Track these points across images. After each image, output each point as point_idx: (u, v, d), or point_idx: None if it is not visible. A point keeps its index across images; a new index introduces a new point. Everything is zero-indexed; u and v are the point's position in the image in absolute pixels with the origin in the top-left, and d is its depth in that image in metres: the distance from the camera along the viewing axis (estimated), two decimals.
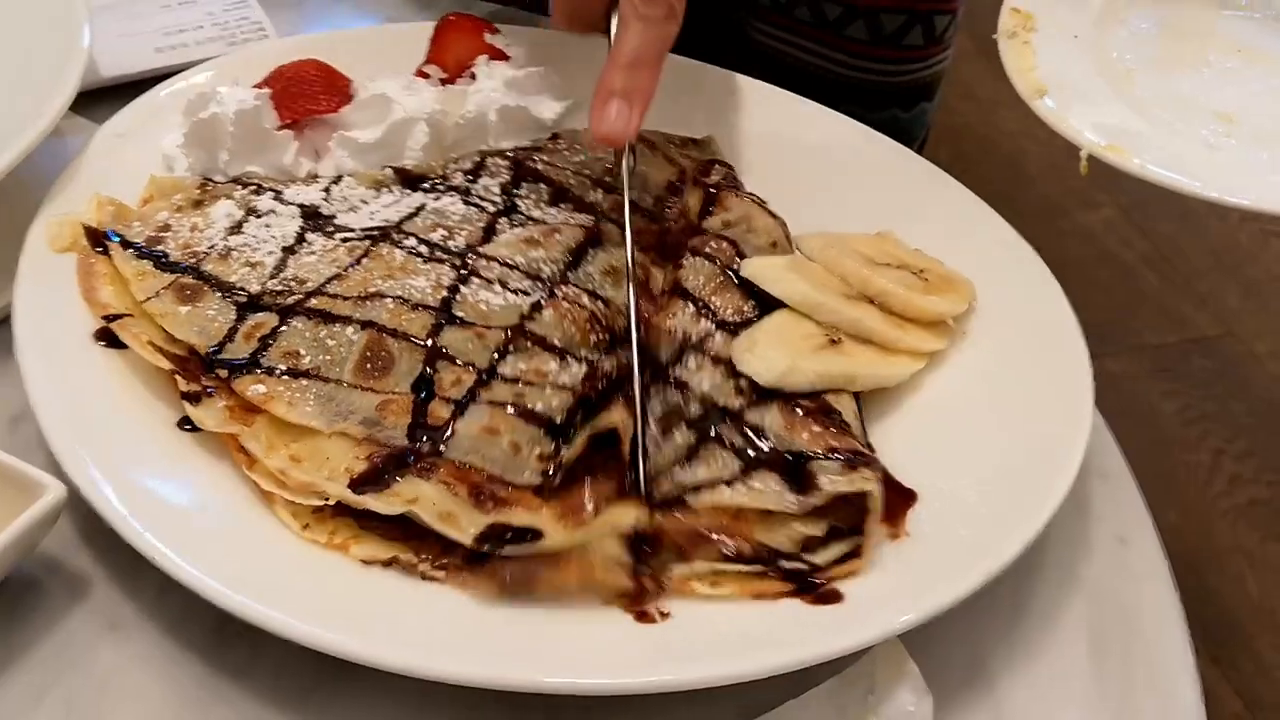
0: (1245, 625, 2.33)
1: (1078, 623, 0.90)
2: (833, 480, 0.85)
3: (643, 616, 0.80)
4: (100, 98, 1.17)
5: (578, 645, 0.79)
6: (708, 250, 1.02)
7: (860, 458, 0.87)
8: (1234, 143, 1.02)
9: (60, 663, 0.80)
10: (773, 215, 1.08)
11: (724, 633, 0.80)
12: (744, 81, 1.23)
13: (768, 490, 0.85)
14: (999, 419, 0.94)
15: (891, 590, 0.82)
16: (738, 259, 1.01)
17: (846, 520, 0.85)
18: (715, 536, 0.84)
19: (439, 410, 0.86)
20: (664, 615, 0.80)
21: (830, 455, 0.86)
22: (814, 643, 0.78)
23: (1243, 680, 2.25)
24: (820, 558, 0.84)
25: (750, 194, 1.11)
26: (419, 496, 0.81)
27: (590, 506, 0.83)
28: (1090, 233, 2.99)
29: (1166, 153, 1.00)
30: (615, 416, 0.87)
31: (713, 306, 0.98)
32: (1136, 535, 0.96)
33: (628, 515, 0.83)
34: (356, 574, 0.81)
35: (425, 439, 0.85)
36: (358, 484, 0.82)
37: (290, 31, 1.33)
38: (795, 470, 0.86)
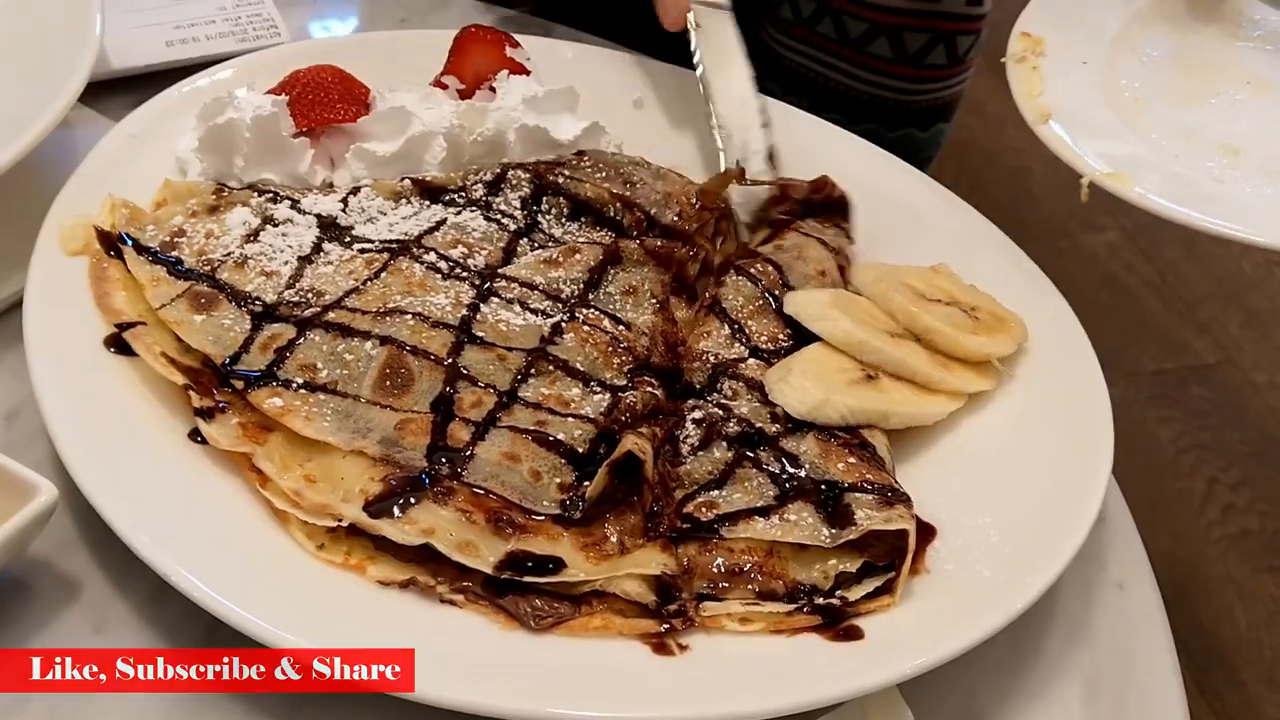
0: (1232, 656, 2.32)
1: (1073, 668, 0.88)
2: (869, 515, 0.83)
3: (661, 649, 0.78)
4: (110, 89, 1.15)
5: (594, 677, 0.76)
6: (752, 271, 1.00)
7: (894, 494, 0.85)
8: (1239, 175, 1.01)
9: None
10: (833, 250, 1.05)
11: (743, 668, 0.78)
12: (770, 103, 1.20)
13: (802, 523, 0.84)
14: (1021, 460, 0.93)
15: (912, 628, 0.80)
16: (781, 285, 1.00)
17: (875, 555, 0.84)
18: (752, 575, 0.82)
19: (458, 432, 0.85)
20: (682, 648, 0.78)
21: (865, 488, 0.85)
22: (842, 679, 0.76)
23: (1227, 711, 2.24)
24: (852, 593, 0.82)
25: (837, 224, 1.09)
26: (436, 526, 0.79)
27: (614, 539, 0.82)
28: (1093, 255, 2.97)
29: (1169, 183, 0.99)
30: (630, 441, 0.85)
31: (748, 331, 0.96)
32: (1134, 581, 0.95)
33: (654, 561, 0.81)
34: (368, 593, 0.78)
35: (444, 461, 0.83)
36: (373, 506, 0.80)
37: (302, 28, 1.30)
38: (831, 501, 0.84)
